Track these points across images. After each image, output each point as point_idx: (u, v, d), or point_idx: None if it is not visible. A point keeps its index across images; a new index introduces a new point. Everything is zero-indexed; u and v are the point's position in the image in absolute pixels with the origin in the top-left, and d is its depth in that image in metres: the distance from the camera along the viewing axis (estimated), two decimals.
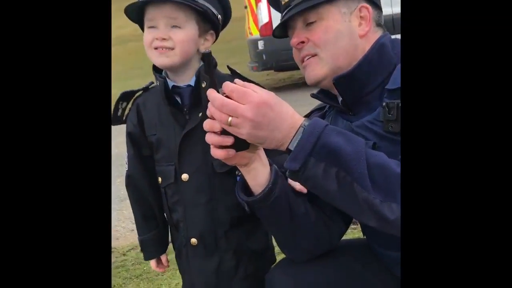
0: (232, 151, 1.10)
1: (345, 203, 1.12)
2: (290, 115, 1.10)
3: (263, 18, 7.63)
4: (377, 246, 1.42)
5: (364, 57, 1.30)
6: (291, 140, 1.09)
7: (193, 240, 1.45)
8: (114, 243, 3.20)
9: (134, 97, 1.53)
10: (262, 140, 1.09)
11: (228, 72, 1.50)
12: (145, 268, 2.83)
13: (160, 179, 1.48)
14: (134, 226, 3.64)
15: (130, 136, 1.51)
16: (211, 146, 1.12)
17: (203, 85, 1.09)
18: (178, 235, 1.50)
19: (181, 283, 2.61)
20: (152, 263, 1.57)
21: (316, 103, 1.51)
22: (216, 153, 1.11)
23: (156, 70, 1.48)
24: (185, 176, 1.42)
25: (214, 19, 1.44)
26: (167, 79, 1.45)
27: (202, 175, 1.39)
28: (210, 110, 1.07)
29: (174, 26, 1.38)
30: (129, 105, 1.53)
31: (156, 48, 1.38)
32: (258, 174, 1.23)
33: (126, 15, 1.40)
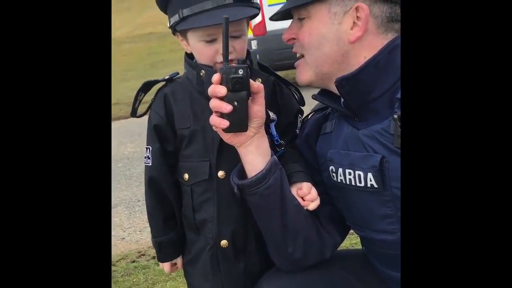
0: (225, 122, 1.15)
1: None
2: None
3: (256, 18, 7.56)
4: (377, 263, 1.33)
5: (372, 59, 1.18)
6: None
7: (224, 242, 1.36)
8: None
9: (153, 88, 1.44)
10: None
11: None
12: (134, 280, 2.71)
13: (186, 176, 1.37)
14: (125, 234, 3.63)
15: (156, 129, 1.39)
16: (213, 114, 1.17)
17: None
18: (198, 238, 1.42)
19: None
20: (166, 266, 1.48)
21: (314, 103, 1.41)
22: (213, 119, 1.17)
23: (191, 60, 1.39)
24: (222, 173, 1.33)
25: None
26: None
27: None
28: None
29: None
30: (144, 97, 1.44)
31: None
32: (255, 160, 1.23)
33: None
